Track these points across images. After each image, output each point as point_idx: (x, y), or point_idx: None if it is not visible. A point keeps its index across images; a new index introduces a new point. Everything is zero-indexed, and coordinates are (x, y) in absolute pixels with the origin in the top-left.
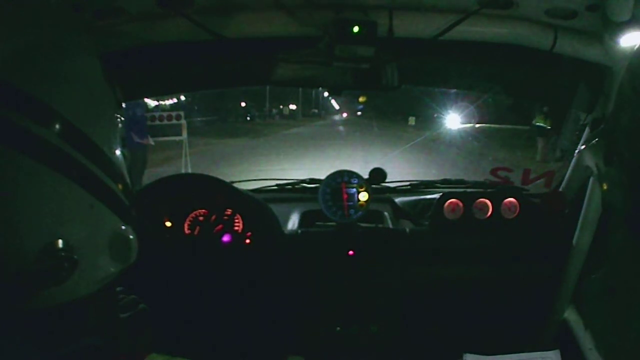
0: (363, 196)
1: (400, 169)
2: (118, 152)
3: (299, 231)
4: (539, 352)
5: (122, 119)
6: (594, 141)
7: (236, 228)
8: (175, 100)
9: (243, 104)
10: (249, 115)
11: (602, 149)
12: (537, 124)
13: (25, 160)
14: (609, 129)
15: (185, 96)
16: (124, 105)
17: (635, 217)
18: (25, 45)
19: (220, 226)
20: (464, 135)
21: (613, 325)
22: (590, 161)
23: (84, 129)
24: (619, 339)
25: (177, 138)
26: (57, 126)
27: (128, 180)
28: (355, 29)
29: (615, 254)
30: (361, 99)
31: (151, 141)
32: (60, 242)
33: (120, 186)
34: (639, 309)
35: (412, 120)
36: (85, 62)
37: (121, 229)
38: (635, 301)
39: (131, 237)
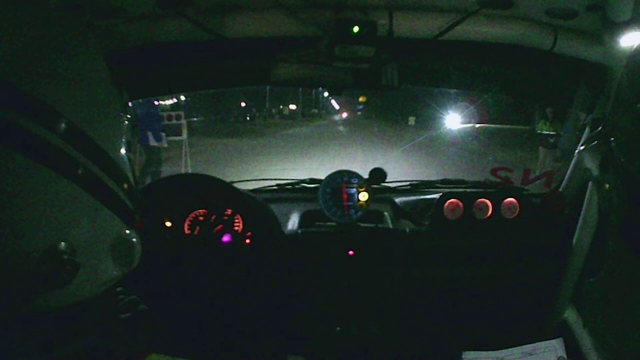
0: (363, 196)
1: (400, 169)
2: (123, 153)
3: (299, 231)
4: (542, 342)
5: (129, 117)
6: (592, 144)
7: (236, 228)
8: (175, 100)
9: (243, 104)
10: (249, 115)
11: (599, 153)
12: (542, 131)
13: (28, 162)
14: (607, 132)
15: (185, 96)
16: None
17: (629, 226)
18: (27, 44)
19: (220, 226)
20: (464, 135)
21: (612, 327)
22: (588, 164)
23: (88, 130)
24: (618, 340)
25: (177, 138)
26: (61, 127)
27: (133, 183)
28: (355, 29)
29: (610, 259)
30: (361, 99)
31: (165, 143)
32: (62, 244)
33: (124, 189)
34: (635, 312)
35: (411, 120)
36: (90, 62)
37: (125, 232)
38: (631, 305)
39: (135, 240)
